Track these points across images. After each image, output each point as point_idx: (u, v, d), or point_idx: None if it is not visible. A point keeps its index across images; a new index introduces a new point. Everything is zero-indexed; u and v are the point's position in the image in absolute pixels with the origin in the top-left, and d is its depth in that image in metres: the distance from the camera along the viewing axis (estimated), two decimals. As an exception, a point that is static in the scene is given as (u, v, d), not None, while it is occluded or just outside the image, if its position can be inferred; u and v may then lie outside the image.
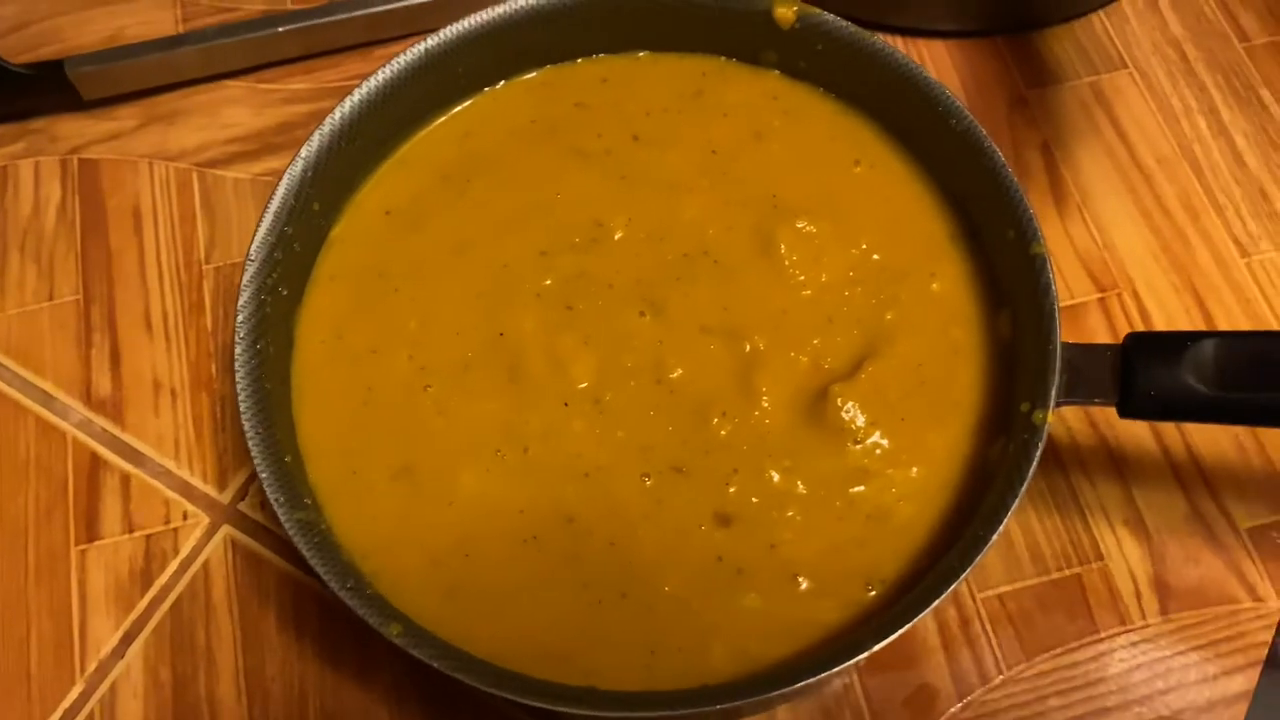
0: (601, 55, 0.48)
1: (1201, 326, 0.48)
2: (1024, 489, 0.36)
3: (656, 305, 0.42)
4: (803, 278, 0.43)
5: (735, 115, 0.46)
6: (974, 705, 0.42)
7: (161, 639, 0.43)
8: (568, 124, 0.46)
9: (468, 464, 0.40)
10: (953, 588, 0.35)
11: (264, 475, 0.37)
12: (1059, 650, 0.42)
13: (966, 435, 0.40)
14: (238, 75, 0.55)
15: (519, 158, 0.46)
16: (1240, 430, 0.46)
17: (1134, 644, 0.43)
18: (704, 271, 0.43)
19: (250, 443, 0.37)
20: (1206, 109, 0.53)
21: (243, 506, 0.46)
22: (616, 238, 0.44)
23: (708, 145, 0.46)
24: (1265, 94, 0.54)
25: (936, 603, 0.34)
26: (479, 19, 0.45)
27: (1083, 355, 0.38)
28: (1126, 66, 0.54)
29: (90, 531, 0.45)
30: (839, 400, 0.40)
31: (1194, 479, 0.45)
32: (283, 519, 0.36)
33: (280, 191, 0.42)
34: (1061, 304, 0.40)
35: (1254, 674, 0.42)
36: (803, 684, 0.34)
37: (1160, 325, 0.48)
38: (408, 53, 0.44)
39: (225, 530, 0.45)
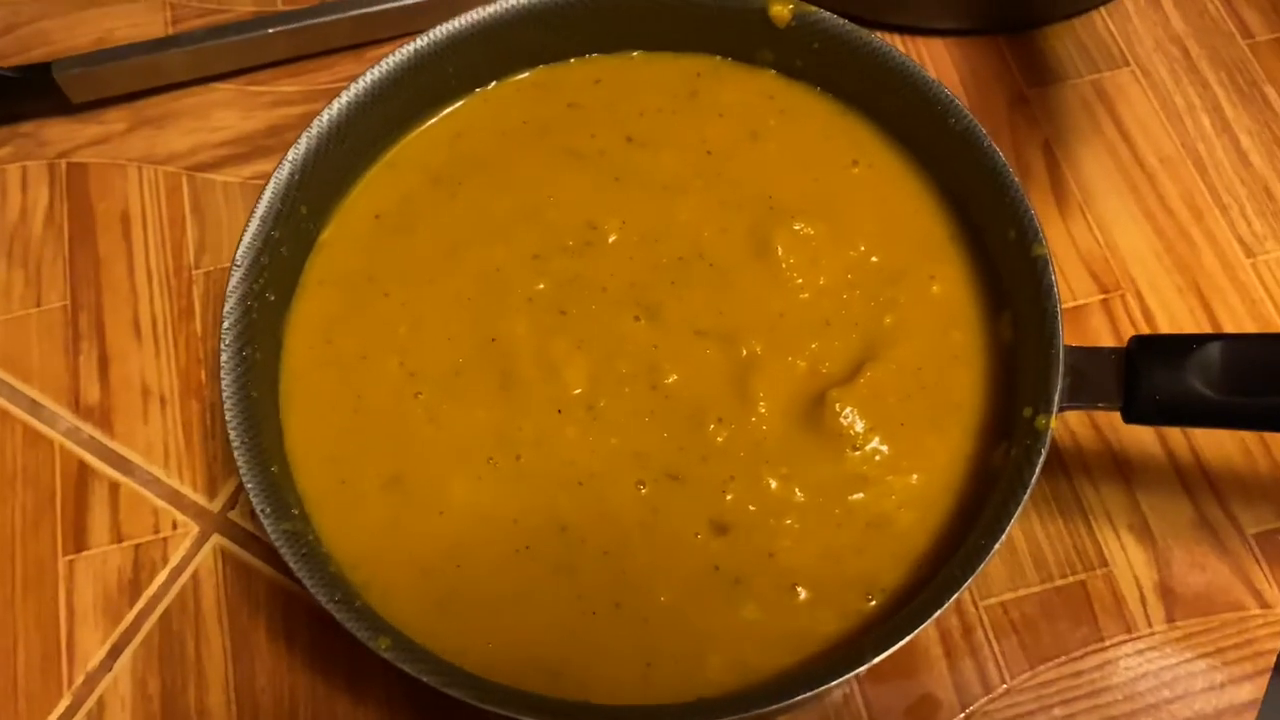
0: (594, 55, 0.47)
1: (1206, 327, 0.47)
2: (1027, 496, 0.35)
3: (651, 309, 0.42)
4: (800, 280, 0.42)
5: (730, 115, 0.46)
6: (977, 715, 0.41)
7: (150, 650, 0.43)
8: (560, 125, 0.46)
9: (459, 472, 0.39)
10: (954, 598, 0.34)
11: (250, 485, 0.36)
12: (1063, 659, 0.42)
13: (968, 440, 0.40)
14: (227, 77, 0.54)
15: (511, 159, 0.45)
16: (1247, 434, 0.45)
17: (1140, 652, 0.42)
18: (699, 274, 0.42)
19: (236, 452, 0.37)
20: (1210, 107, 0.52)
21: (233, 515, 0.45)
22: (610, 240, 0.43)
23: (703, 146, 0.45)
24: (1269, 91, 0.53)
25: (938, 614, 0.34)
26: (470, 19, 0.44)
27: (1086, 359, 0.38)
28: (1128, 64, 0.54)
29: (78, 541, 0.44)
30: (837, 405, 0.39)
31: (1200, 484, 0.44)
32: (269, 530, 0.36)
33: (267, 195, 0.41)
34: (1064, 305, 0.40)
35: (1262, 682, 0.41)
36: (802, 697, 0.33)
37: (1164, 326, 0.47)
38: (397, 53, 0.44)
39: (215, 539, 0.44)
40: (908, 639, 0.34)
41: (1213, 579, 0.43)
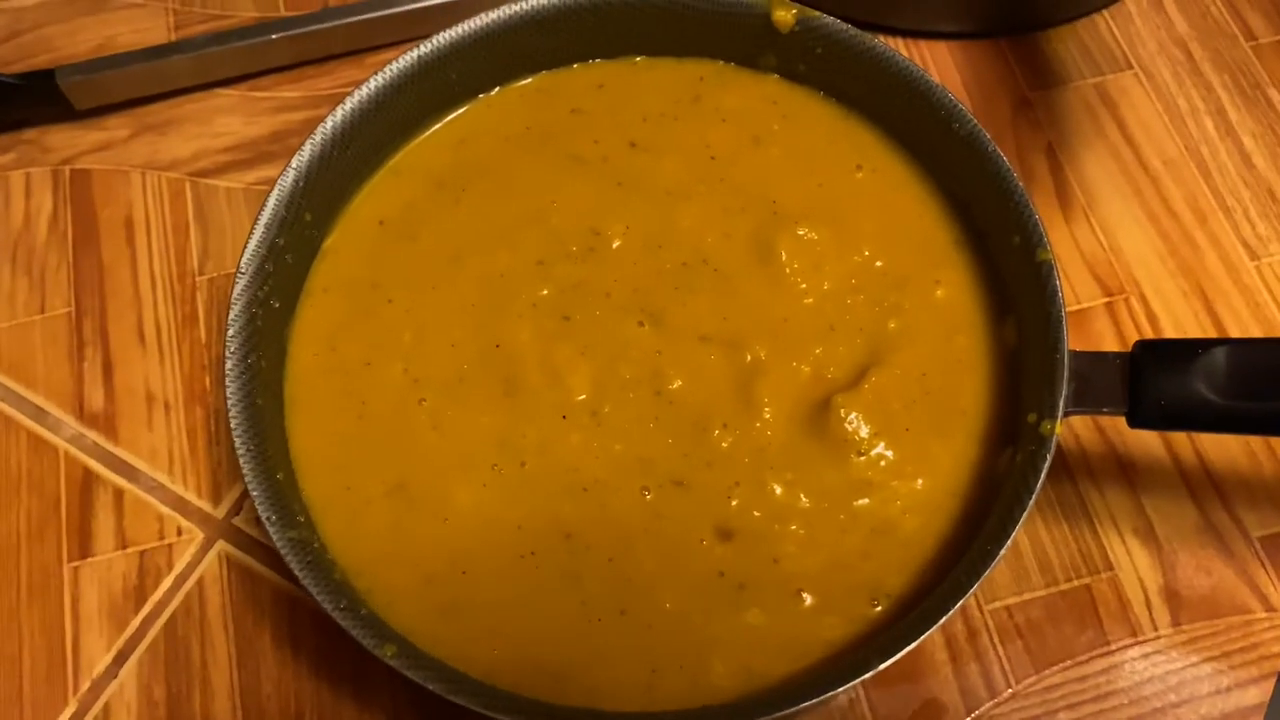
0: (597, 60, 0.47)
1: (1210, 330, 0.47)
2: (1032, 502, 0.35)
3: (655, 315, 0.42)
4: (804, 285, 0.42)
5: (734, 120, 0.46)
6: (982, 720, 0.41)
7: (155, 657, 0.43)
8: (564, 130, 0.46)
9: (463, 479, 0.39)
10: (959, 604, 0.34)
11: (255, 493, 0.36)
12: (1068, 663, 0.42)
13: (972, 446, 0.40)
14: (230, 83, 0.54)
15: (514, 165, 0.45)
16: (1252, 437, 0.45)
17: (1145, 656, 0.42)
18: (703, 280, 0.42)
19: (241, 460, 0.37)
20: (1213, 109, 0.52)
21: (237, 521, 0.45)
22: (614, 246, 0.43)
23: (706, 151, 0.45)
24: (1273, 93, 0.53)
25: (943, 620, 0.34)
26: (473, 25, 0.44)
27: (1091, 364, 0.37)
28: (1131, 67, 0.54)
29: (83, 548, 0.44)
30: (842, 411, 0.39)
31: (1205, 487, 0.44)
32: (274, 538, 0.36)
33: (271, 202, 0.41)
34: (1068, 309, 0.40)
35: (1268, 686, 0.41)
36: (807, 703, 0.33)
37: (1168, 330, 0.47)
38: (400, 60, 0.44)
39: (220, 546, 0.44)
40: (913, 645, 0.34)
41: (1218, 583, 0.43)
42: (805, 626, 0.37)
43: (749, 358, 0.41)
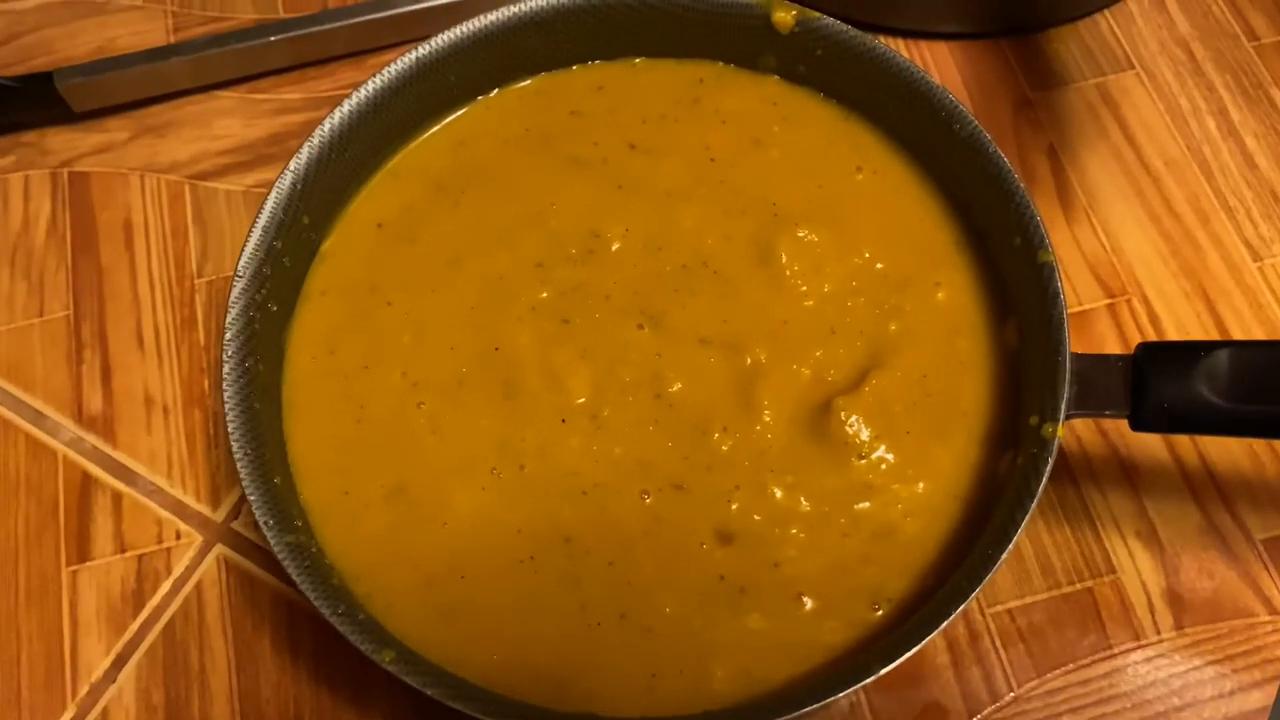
0: (597, 62, 0.47)
1: (1212, 331, 0.47)
2: (1034, 505, 0.35)
3: (655, 317, 0.41)
4: (804, 288, 0.42)
5: (734, 122, 0.46)
6: (984, 724, 0.41)
7: (154, 661, 0.42)
8: (563, 132, 0.46)
9: (462, 483, 0.39)
10: (961, 609, 0.34)
11: (253, 498, 0.36)
12: (1071, 667, 0.41)
13: (974, 448, 0.39)
14: (229, 85, 0.54)
15: (514, 167, 0.45)
16: (1255, 440, 0.45)
17: (1148, 659, 0.42)
18: (703, 282, 0.42)
19: (239, 464, 0.37)
20: (1216, 109, 0.52)
21: (236, 525, 0.45)
22: (613, 249, 0.43)
23: (706, 153, 0.45)
24: (1275, 94, 0.53)
25: (944, 624, 0.34)
26: (471, 26, 0.44)
27: (1093, 366, 0.37)
28: (1133, 67, 0.53)
29: (81, 552, 0.44)
30: (842, 413, 0.39)
31: (1208, 489, 0.44)
32: (272, 542, 0.36)
33: (269, 206, 0.41)
34: (1070, 310, 0.39)
35: (1271, 689, 0.41)
36: (808, 708, 0.33)
37: (1170, 331, 0.47)
38: (398, 61, 0.43)
39: (218, 549, 0.44)
40: (914, 650, 0.34)
41: (1221, 585, 0.43)
42: (806, 631, 0.37)
43: (749, 360, 0.41)
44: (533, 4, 0.45)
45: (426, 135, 0.46)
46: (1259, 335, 0.47)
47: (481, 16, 0.44)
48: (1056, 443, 0.36)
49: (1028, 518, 0.35)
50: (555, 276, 0.42)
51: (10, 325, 0.49)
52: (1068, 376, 0.37)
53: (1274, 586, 0.43)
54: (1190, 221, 0.50)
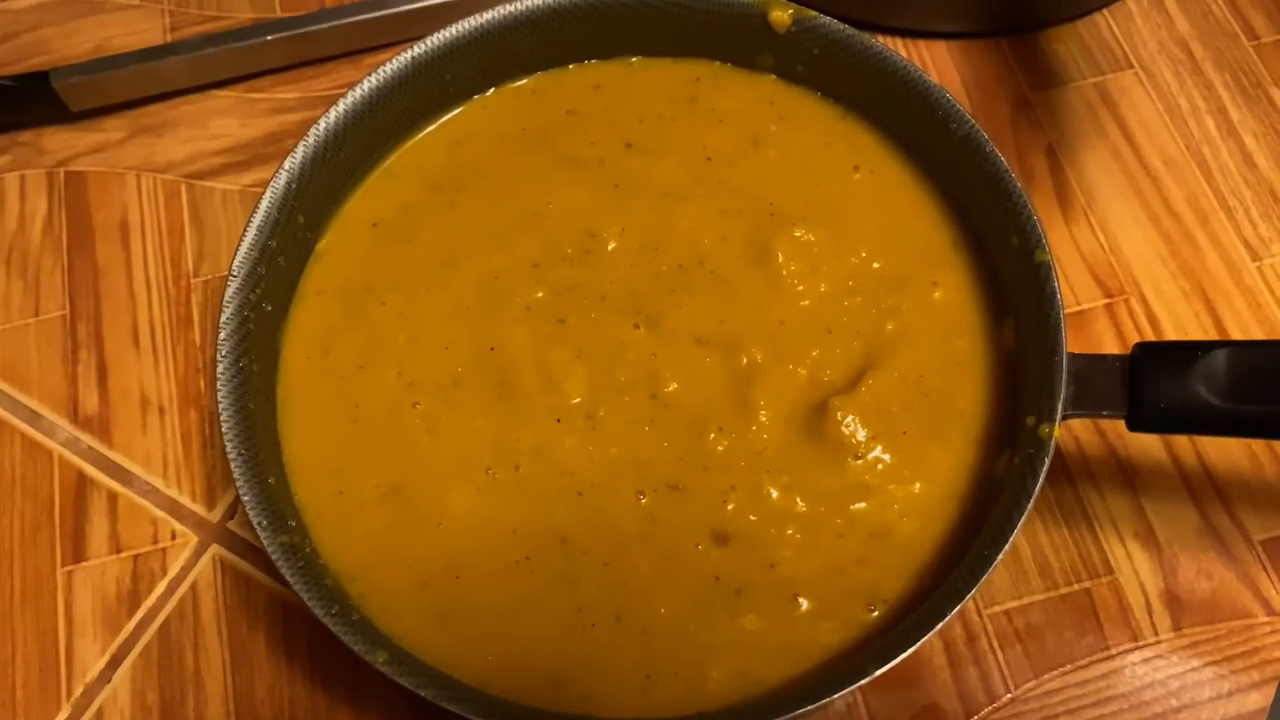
0: (593, 61, 0.47)
1: (1211, 331, 0.47)
2: (1030, 506, 0.35)
3: (651, 318, 0.41)
4: (801, 288, 0.42)
5: (730, 121, 0.46)
6: (981, 725, 0.41)
7: (149, 661, 0.42)
8: (559, 132, 0.46)
9: (457, 483, 0.39)
10: (957, 609, 0.34)
11: (247, 498, 0.36)
12: (1068, 667, 0.41)
13: (970, 449, 0.39)
14: (226, 85, 0.54)
15: (510, 167, 0.45)
16: (1253, 440, 0.44)
17: (1146, 660, 0.41)
18: (699, 282, 0.42)
19: (233, 465, 0.37)
20: (1215, 109, 0.52)
21: (232, 525, 0.45)
22: (609, 248, 0.43)
23: (702, 152, 0.45)
24: (1275, 93, 0.52)
25: (940, 625, 0.33)
26: (467, 25, 0.44)
27: (1090, 366, 0.37)
28: (1132, 66, 0.53)
29: (77, 552, 0.44)
30: (839, 414, 0.39)
31: (1206, 490, 0.44)
32: (266, 543, 0.35)
33: (264, 205, 0.41)
34: (1067, 310, 0.39)
35: (1270, 690, 0.41)
36: (804, 710, 0.33)
37: (1169, 331, 0.47)
38: (394, 61, 0.43)
39: (214, 550, 0.44)
40: (910, 651, 0.33)
41: (1219, 586, 0.42)
42: (802, 632, 0.37)
43: (745, 360, 0.40)
44: (529, 3, 0.44)
45: (422, 135, 0.46)
46: (1258, 335, 0.47)
47: (477, 16, 0.44)
48: (1054, 443, 0.36)
49: (1024, 518, 0.35)
50: (551, 276, 0.42)
51: (6, 325, 0.49)
52: (1065, 376, 0.37)
53: (1272, 587, 0.42)
54: (1189, 221, 0.49)
